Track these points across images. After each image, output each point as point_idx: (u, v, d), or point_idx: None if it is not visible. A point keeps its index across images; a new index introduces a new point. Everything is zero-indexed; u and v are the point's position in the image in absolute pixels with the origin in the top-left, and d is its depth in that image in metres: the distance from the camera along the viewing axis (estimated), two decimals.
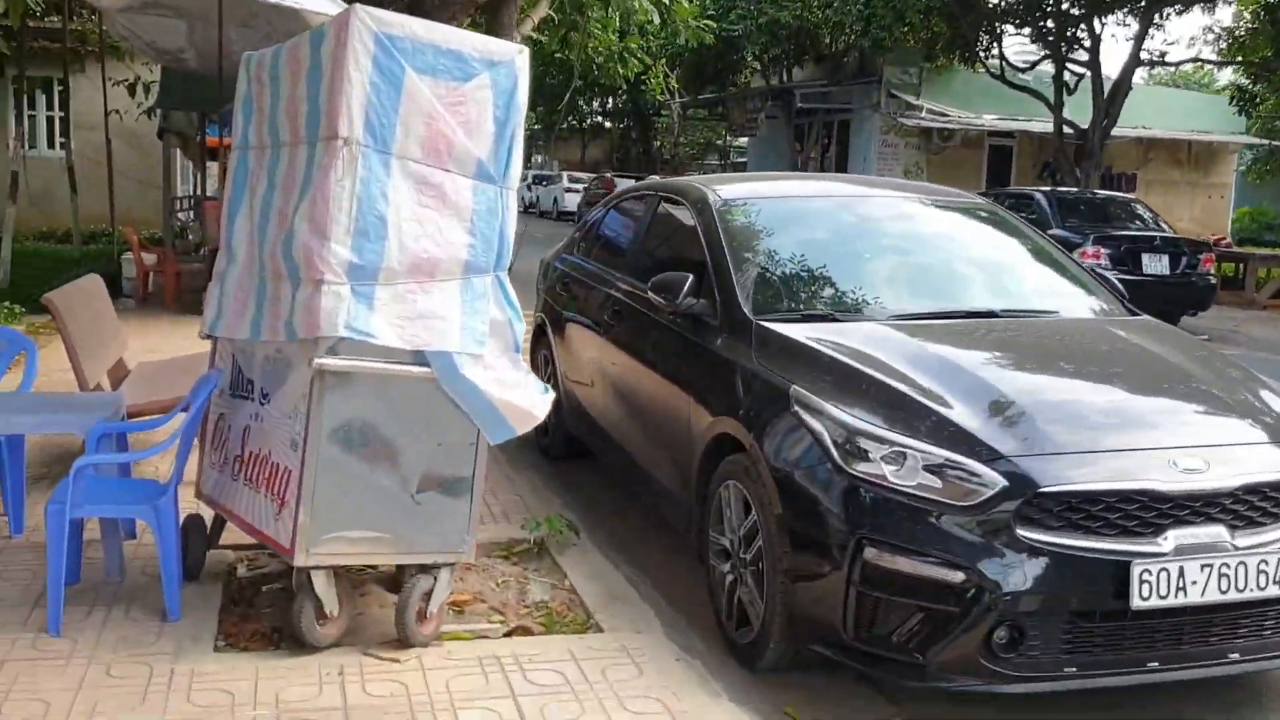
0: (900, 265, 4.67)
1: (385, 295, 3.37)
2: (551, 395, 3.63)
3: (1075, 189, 17.24)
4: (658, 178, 31.19)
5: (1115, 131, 20.03)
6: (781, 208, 5.00)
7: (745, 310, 4.19)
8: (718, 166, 41.23)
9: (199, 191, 17.15)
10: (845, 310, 4.26)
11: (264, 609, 3.82)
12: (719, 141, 42.11)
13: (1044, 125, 23.63)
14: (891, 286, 4.51)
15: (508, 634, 3.72)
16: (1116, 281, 5.24)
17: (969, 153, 26.07)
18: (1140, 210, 14.86)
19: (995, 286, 4.67)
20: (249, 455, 3.72)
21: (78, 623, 3.56)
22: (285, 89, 3.60)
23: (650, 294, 4.53)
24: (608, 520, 5.14)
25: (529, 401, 3.56)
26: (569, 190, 34.32)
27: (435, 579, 3.54)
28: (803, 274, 4.53)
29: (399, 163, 3.38)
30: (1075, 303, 4.61)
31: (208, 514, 4.04)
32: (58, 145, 19.18)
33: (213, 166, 17.79)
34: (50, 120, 19.86)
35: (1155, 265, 12.82)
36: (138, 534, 4.25)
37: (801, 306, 4.32)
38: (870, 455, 3.33)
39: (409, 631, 3.49)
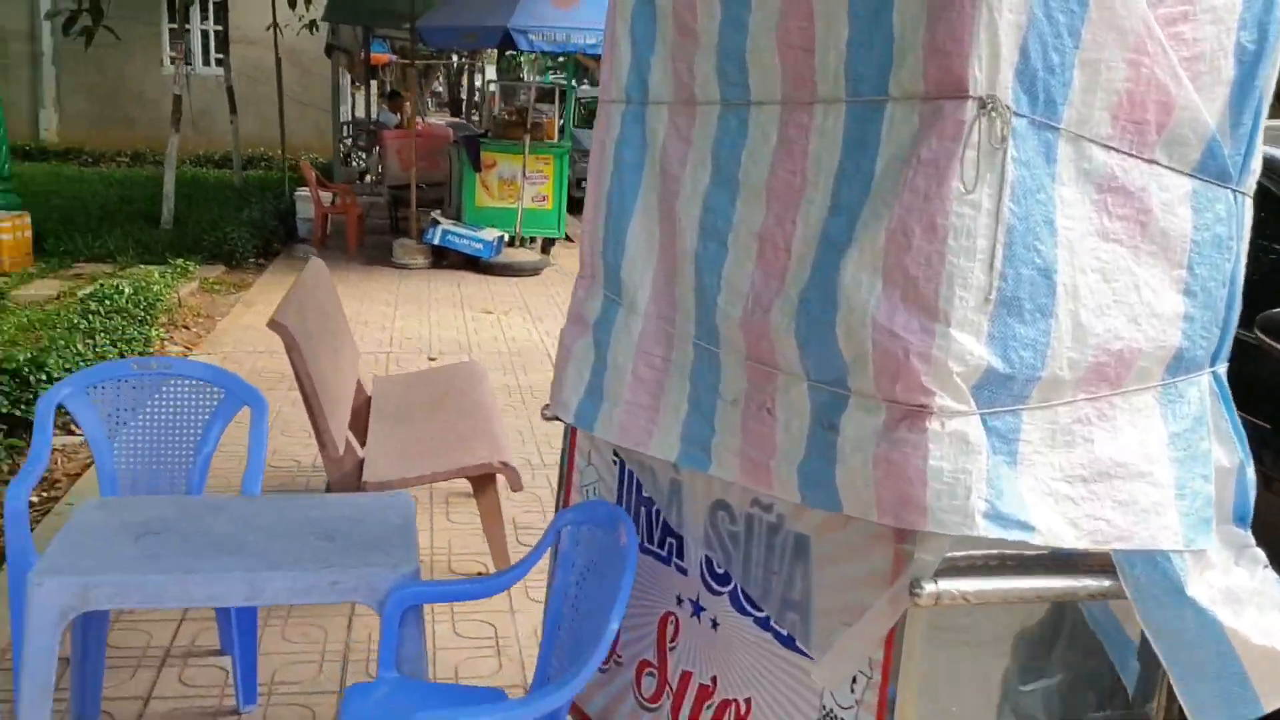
0: None
1: (1039, 432, 1.59)
2: None
3: None
4: None
5: None
6: None
7: None
8: None
9: (367, 114, 15.71)
10: None
11: None
12: None
13: None
14: None
15: None
16: None
17: None
18: None
19: None
20: (693, 686, 2.03)
21: None
22: None
23: (1262, 338, 2.65)
24: None
25: None
26: None
27: None
28: None
29: (1071, 148, 1.57)
30: None
31: None
32: (213, 62, 17.98)
33: (372, 85, 16.30)
34: (205, 35, 18.63)
35: None
36: None
37: None
38: None
39: None
